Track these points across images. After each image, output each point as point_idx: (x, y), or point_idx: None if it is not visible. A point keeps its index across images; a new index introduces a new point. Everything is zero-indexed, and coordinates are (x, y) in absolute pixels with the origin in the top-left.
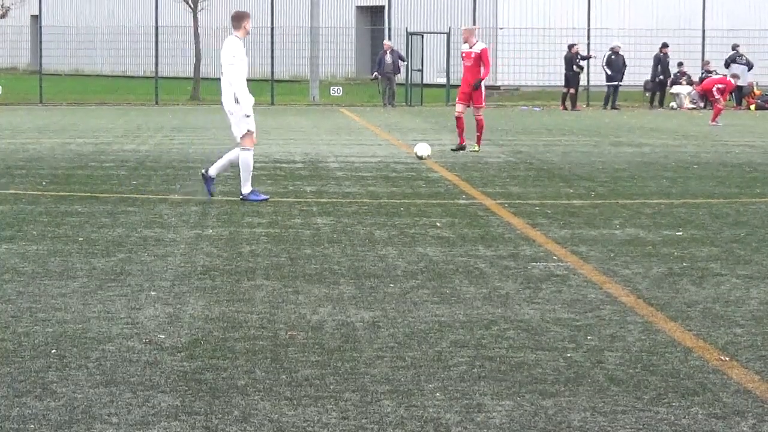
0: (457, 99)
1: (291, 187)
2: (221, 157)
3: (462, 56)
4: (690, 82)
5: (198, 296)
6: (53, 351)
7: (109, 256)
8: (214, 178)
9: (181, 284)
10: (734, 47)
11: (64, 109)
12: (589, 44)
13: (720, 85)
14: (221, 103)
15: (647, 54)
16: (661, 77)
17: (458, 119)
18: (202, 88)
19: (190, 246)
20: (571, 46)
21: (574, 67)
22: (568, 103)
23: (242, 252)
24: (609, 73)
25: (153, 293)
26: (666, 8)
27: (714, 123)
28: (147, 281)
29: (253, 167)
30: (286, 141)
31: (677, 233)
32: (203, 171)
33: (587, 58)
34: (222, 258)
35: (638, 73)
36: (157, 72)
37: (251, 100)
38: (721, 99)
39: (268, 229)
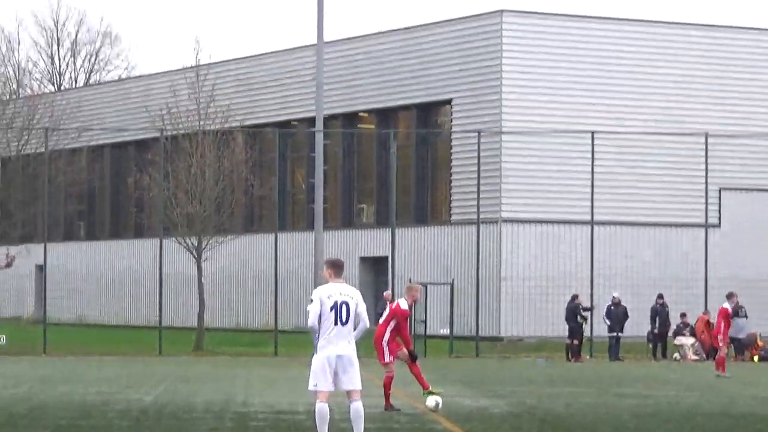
0: (393, 358)
1: None
2: (351, 425)
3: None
4: (693, 333)
5: None
6: None
7: None
8: None
9: None
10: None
11: (68, 360)
12: (592, 294)
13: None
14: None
15: (650, 305)
16: (656, 330)
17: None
18: (205, 338)
19: None
20: (574, 297)
21: (578, 317)
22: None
23: None
24: (608, 324)
25: None
26: (668, 259)
27: (722, 373)
28: None
29: (259, 418)
30: (289, 392)
31: None
32: None
33: (590, 309)
34: None
35: (642, 324)
36: (161, 322)
37: None
38: (724, 347)
39: None
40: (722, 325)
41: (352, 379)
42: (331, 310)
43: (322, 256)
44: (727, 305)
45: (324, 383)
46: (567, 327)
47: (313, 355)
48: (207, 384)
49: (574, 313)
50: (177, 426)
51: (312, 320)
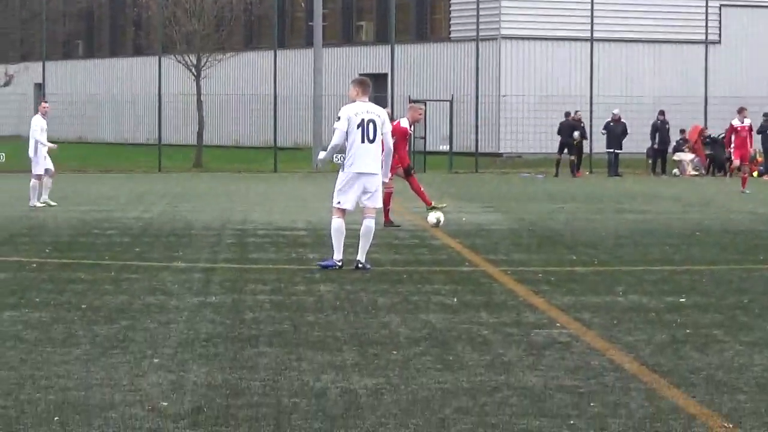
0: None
1: (294, 255)
2: (358, 240)
3: (408, 134)
4: (692, 149)
5: (201, 363)
6: (56, 418)
7: (112, 324)
8: (367, 266)
9: (184, 351)
10: (765, 115)
11: (67, 177)
12: (591, 111)
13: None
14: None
15: (650, 121)
16: (656, 145)
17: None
18: (204, 155)
19: (193, 313)
20: (567, 114)
21: (576, 134)
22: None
23: (245, 319)
24: (605, 137)
25: (156, 360)
26: (667, 77)
27: (743, 189)
28: (150, 348)
29: (258, 234)
30: (289, 208)
31: (680, 300)
32: (359, 266)
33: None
34: (225, 325)
35: (642, 140)
36: (160, 139)
37: None
38: (735, 160)
39: (272, 297)
40: (729, 139)
41: (373, 198)
42: (358, 127)
43: (321, 73)
44: (736, 121)
45: (348, 201)
46: (559, 142)
47: (315, 163)
48: (206, 200)
49: (573, 128)
50: (176, 242)
51: (339, 137)
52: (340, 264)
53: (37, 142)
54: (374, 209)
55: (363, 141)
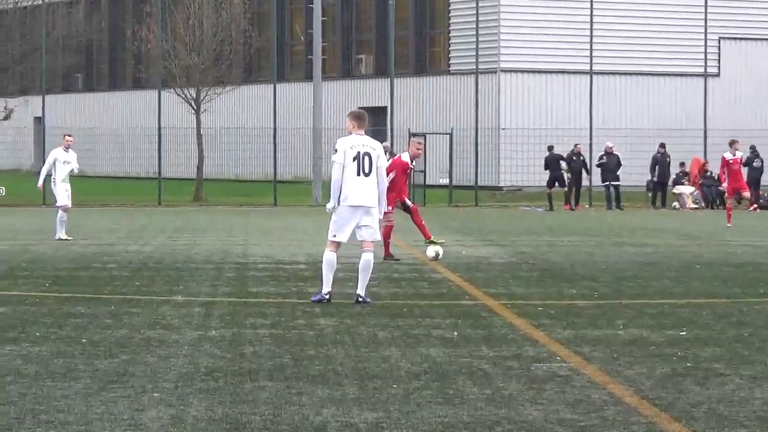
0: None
1: (294, 288)
2: (358, 274)
3: (409, 171)
4: (692, 183)
5: (201, 398)
6: None
7: (112, 358)
8: (367, 300)
9: (185, 385)
10: (752, 147)
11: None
12: (591, 144)
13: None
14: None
15: (650, 154)
16: (655, 178)
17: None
18: (204, 189)
19: (194, 347)
20: (550, 147)
21: (563, 164)
22: (560, 201)
23: (245, 353)
24: (599, 170)
25: (156, 395)
26: (667, 109)
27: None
28: (150, 382)
29: (258, 268)
30: (289, 242)
31: (680, 333)
32: (359, 300)
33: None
34: (225, 359)
35: (641, 173)
36: (160, 173)
37: None
38: (729, 198)
39: (272, 330)
40: (722, 172)
41: (370, 231)
42: (354, 160)
43: (321, 107)
44: (728, 153)
45: (342, 234)
46: (549, 177)
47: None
48: (206, 234)
49: (558, 161)
50: (177, 276)
51: (338, 171)
52: (327, 297)
53: (51, 174)
54: (372, 243)
55: (359, 174)
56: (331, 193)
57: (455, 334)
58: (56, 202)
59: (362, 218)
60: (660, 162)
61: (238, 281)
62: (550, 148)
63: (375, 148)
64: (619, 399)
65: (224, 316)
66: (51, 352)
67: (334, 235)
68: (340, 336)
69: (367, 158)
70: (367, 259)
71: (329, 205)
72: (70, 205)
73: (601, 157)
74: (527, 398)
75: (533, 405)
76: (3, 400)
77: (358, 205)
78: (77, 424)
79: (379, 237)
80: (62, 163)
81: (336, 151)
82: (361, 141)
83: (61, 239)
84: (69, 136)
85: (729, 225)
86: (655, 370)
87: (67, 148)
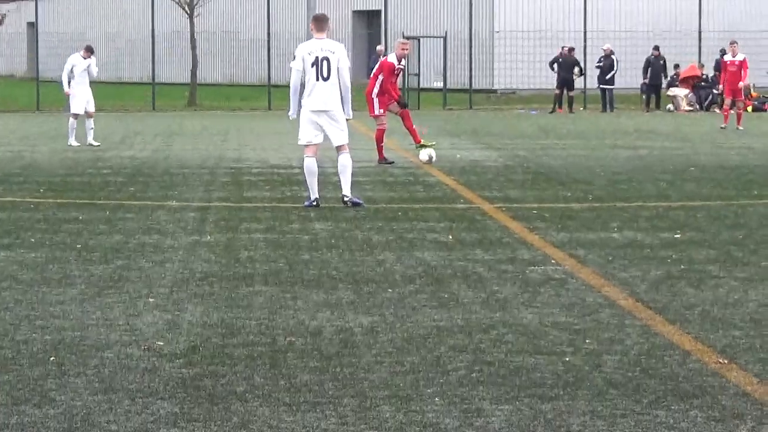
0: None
1: (288, 193)
2: (338, 177)
3: (397, 72)
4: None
5: (196, 303)
6: (52, 359)
7: (107, 263)
8: (356, 200)
9: (180, 291)
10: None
11: (60, 116)
12: (585, 47)
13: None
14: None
15: (644, 56)
16: (647, 80)
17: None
18: (198, 94)
19: (188, 252)
20: (571, 49)
21: (576, 70)
22: (565, 106)
23: (240, 258)
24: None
25: (151, 300)
26: (662, 11)
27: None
28: (145, 288)
29: (253, 173)
30: (283, 146)
31: (675, 236)
32: (345, 201)
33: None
34: (220, 264)
35: (636, 76)
36: (153, 78)
37: None
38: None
39: (266, 235)
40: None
41: (338, 134)
42: (312, 66)
43: (314, 11)
44: (728, 56)
45: (310, 137)
46: (559, 77)
47: (288, 112)
48: (200, 139)
49: (572, 65)
50: (171, 181)
51: (296, 77)
52: (315, 203)
53: (70, 79)
54: (344, 145)
55: (318, 79)
56: (291, 100)
57: (450, 237)
58: (72, 108)
59: (326, 122)
60: (653, 64)
61: (232, 186)
62: (571, 50)
63: (334, 51)
64: (614, 302)
65: (219, 221)
66: (46, 258)
67: (303, 140)
68: (334, 240)
69: (325, 62)
70: (342, 161)
71: (290, 113)
72: (81, 113)
73: (600, 59)
74: (522, 301)
75: (528, 308)
76: None
77: (318, 109)
78: (72, 330)
79: (346, 139)
80: (80, 69)
81: (294, 57)
82: (319, 45)
83: (71, 146)
84: (87, 50)
85: (724, 126)
86: (650, 273)
87: (86, 57)
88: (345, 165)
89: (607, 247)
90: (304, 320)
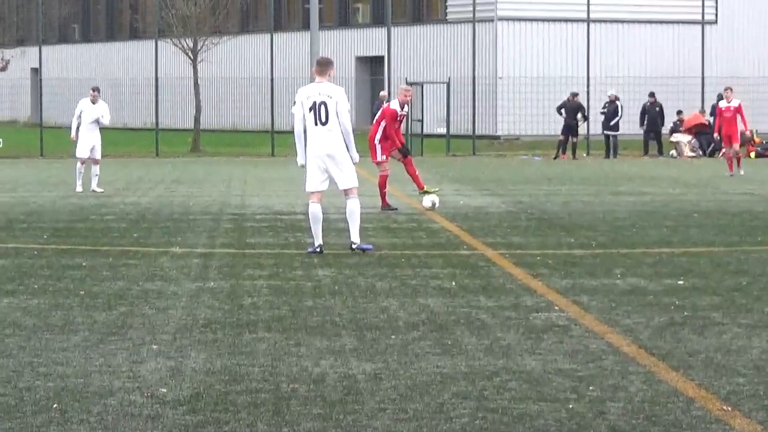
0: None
1: (292, 239)
2: (347, 222)
3: (400, 118)
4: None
5: (200, 349)
6: (55, 406)
7: (111, 310)
8: (364, 246)
9: (183, 337)
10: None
11: (64, 162)
12: (588, 93)
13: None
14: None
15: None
16: (644, 127)
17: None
18: (202, 139)
19: (192, 299)
20: (575, 95)
21: (579, 116)
22: (569, 152)
23: (243, 304)
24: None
25: (154, 347)
26: (665, 57)
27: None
28: (148, 334)
29: (256, 219)
30: (287, 192)
31: (678, 282)
32: (353, 248)
33: (586, 118)
34: (223, 310)
35: (638, 122)
36: (157, 124)
37: None
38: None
39: (270, 281)
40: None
41: (346, 177)
42: (310, 110)
43: (317, 56)
44: (723, 102)
45: (315, 184)
46: (563, 124)
47: (297, 158)
48: (204, 185)
49: (576, 111)
50: (175, 228)
51: (297, 123)
52: (319, 249)
53: (78, 125)
54: (351, 189)
55: (316, 124)
56: (297, 147)
57: (453, 284)
58: (78, 153)
59: (331, 166)
60: (648, 111)
61: (236, 232)
62: (575, 95)
63: (332, 95)
64: (617, 348)
65: (222, 268)
66: (49, 305)
67: (309, 188)
68: (338, 287)
69: (323, 107)
70: (350, 206)
71: (299, 161)
72: (86, 157)
73: (605, 105)
74: (525, 348)
75: (531, 355)
76: (1, 352)
77: (320, 154)
78: (75, 377)
79: (353, 183)
80: (89, 115)
81: (295, 103)
82: (317, 89)
83: (78, 191)
84: (94, 90)
85: (731, 174)
86: (653, 320)
87: (93, 101)
88: (353, 210)
89: (610, 294)
90: (308, 367)
